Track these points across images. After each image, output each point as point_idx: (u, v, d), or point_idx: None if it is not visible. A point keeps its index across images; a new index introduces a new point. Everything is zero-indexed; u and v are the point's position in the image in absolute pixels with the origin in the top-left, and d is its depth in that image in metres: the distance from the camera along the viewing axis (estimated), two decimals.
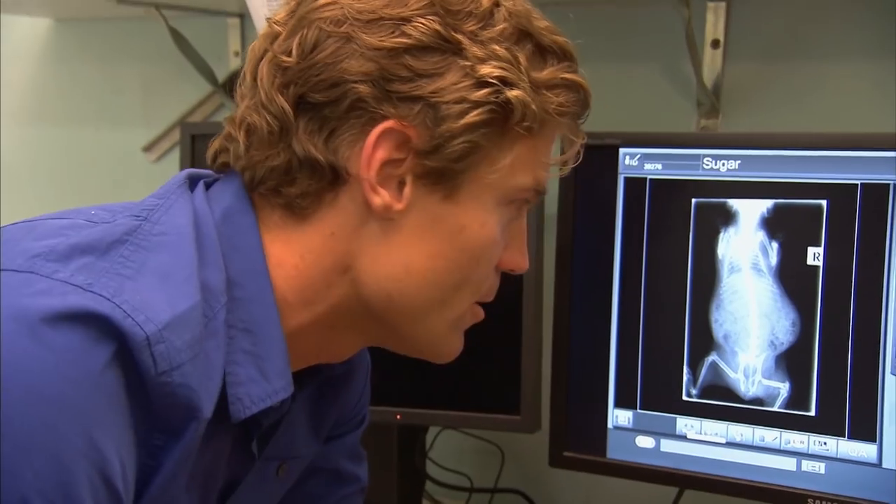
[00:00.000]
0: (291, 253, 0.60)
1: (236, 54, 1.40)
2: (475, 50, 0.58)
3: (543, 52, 0.61)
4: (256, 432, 0.62)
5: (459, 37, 0.58)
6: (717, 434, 0.89)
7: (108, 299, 0.51)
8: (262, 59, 0.61)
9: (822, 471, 0.84)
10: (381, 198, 0.59)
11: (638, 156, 0.91)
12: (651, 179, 0.91)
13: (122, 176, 1.51)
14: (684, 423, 0.90)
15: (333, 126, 0.58)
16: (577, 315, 0.95)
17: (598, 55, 1.18)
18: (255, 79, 0.61)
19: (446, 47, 0.58)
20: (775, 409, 0.86)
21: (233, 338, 0.57)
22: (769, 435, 0.86)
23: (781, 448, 0.86)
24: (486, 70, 0.58)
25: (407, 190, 0.59)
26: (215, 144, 0.64)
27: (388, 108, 0.57)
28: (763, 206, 0.86)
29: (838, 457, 0.83)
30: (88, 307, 0.50)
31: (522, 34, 0.60)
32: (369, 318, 0.62)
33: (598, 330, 0.93)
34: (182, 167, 1.22)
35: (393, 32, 0.58)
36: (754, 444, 0.87)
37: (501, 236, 0.63)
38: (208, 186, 0.63)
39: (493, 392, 1.04)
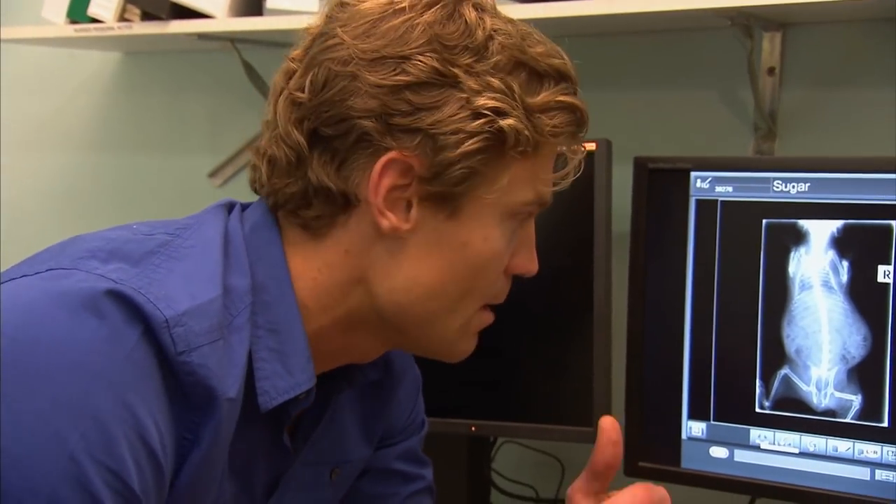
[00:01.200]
0: (310, 266, 0.66)
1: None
2: (471, 83, 0.63)
3: (539, 77, 0.65)
4: (287, 423, 0.67)
5: (456, 71, 0.63)
6: (790, 444, 0.92)
7: (136, 289, 0.58)
8: (280, 94, 0.67)
9: None
10: (389, 220, 0.64)
11: (709, 179, 0.96)
12: (722, 201, 0.95)
13: (187, 201, 1.54)
14: (758, 434, 0.93)
15: (343, 157, 0.64)
16: (650, 332, 0.99)
17: (656, 81, 1.24)
18: (275, 113, 0.67)
19: (444, 81, 0.63)
20: (848, 420, 0.89)
21: (259, 336, 0.64)
22: (842, 445, 0.89)
23: (855, 458, 0.89)
24: (481, 101, 0.63)
25: (413, 212, 0.64)
26: (249, 174, 0.71)
27: (391, 140, 0.63)
28: (833, 226, 0.90)
29: None
30: (118, 289, 0.58)
31: (516, 63, 0.64)
32: (383, 323, 0.68)
33: (672, 346, 0.97)
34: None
35: (394, 70, 0.63)
36: (827, 454, 0.90)
37: (507, 246, 0.68)
38: (244, 209, 0.70)
39: (566, 405, 1.07)
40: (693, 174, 0.96)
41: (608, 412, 1.05)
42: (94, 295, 0.57)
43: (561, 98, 0.66)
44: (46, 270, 0.60)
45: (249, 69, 1.35)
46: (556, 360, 1.08)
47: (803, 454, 0.91)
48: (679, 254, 0.96)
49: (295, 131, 0.64)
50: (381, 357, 0.75)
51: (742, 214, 0.94)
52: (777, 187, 0.93)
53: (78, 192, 1.65)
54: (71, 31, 1.27)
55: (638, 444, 0.99)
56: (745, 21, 1.05)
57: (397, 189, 0.64)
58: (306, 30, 0.68)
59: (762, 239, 0.92)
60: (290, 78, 0.66)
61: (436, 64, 0.63)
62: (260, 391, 0.63)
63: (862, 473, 0.89)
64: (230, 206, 0.70)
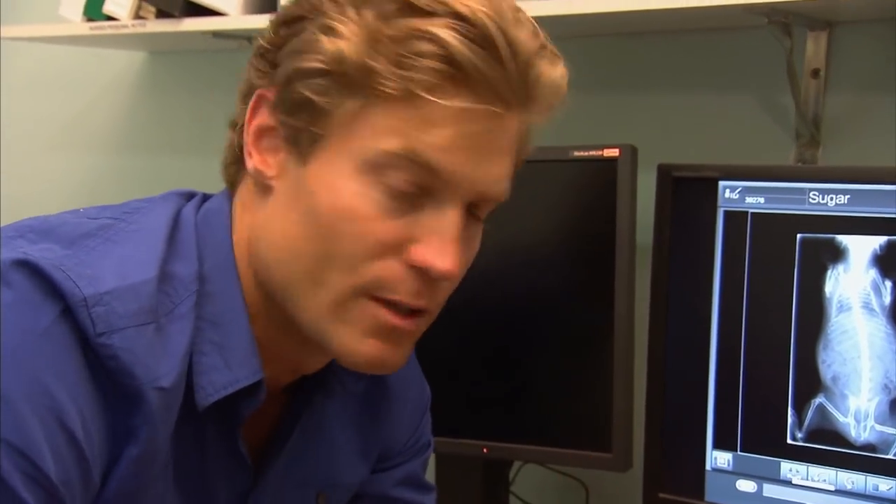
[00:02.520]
0: (241, 234, 0.63)
1: None
2: (330, 11, 0.59)
3: (411, 7, 0.57)
4: (238, 425, 0.63)
5: (323, 2, 0.60)
6: (825, 480, 0.85)
7: (55, 266, 0.55)
8: None
9: None
10: (254, 161, 0.61)
11: (739, 189, 0.89)
12: (753, 213, 0.88)
13: None
14: (789, 468, 0.86)
15: (241, 109, 0.63)
16: (673, 351, 0.92)
17: (693, 83, 1.17)
18: None
19: (310, 14, 0.60)
20: (890, 456, 0.81)
21: (202, 329, 0.60)
22: (884, 484, 0.82)
23: None
24: (333, 27, 0.58)
25: (279, 156, 0.61)
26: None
27: (265, 79, 0.61)
28: (875, 242, 0.82)
29: None
30: (32, 261, 0.55)
31: None
32: (276, 307, 0.62)
33: (696, 368, 0.90)
34: None
35: (279, 10, 0.63)
36: (867, 492, 0.83)
37: (371, 207, 0.59)
38: (206, 199, 0.67)
39: (583, 428, 1.01)
40: (721, 183, 0.89)
41: (629, 437, 0.99)
42: (10, 259, 0.55)
43: (428, 27, 0.56)
44: None
45: None
46: (574, 379, 1.02)
47: (840, 492, 0.84)
48: (705, 270, 0.90)
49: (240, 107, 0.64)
50: None
51: (774, 228, 0.87)
52: (813, 199, 0.85)
53: (102, 193, 1.64)
54: (87, 28, 1.26)
55: (658, 474, 0.93)
56: (783, 19, 0.98)
57: (266, 131, 0.61)
58: None
59: (796, 255, 0.85)
60: None
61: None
62: (196, 388, 0.60)
63: None
64: (189, 195, 0.67)
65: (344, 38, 0.58)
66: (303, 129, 0.59)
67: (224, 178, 0.66)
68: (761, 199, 0.88)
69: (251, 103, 0.61)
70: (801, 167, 1.04)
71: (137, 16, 1.23)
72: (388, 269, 0.59)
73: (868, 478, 0.83)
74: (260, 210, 0.62)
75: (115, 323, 0.55)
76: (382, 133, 0.58)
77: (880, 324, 0.82)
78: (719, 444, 0.90)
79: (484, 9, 0.57)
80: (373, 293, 0.60)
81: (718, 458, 0.90)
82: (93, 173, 1.65)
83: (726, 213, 0.89)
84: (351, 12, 0.59)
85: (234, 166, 0.65)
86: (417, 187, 0.59)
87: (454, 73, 0.57)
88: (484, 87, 0.58)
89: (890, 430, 0.82)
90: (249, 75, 0.63)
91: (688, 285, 0.91)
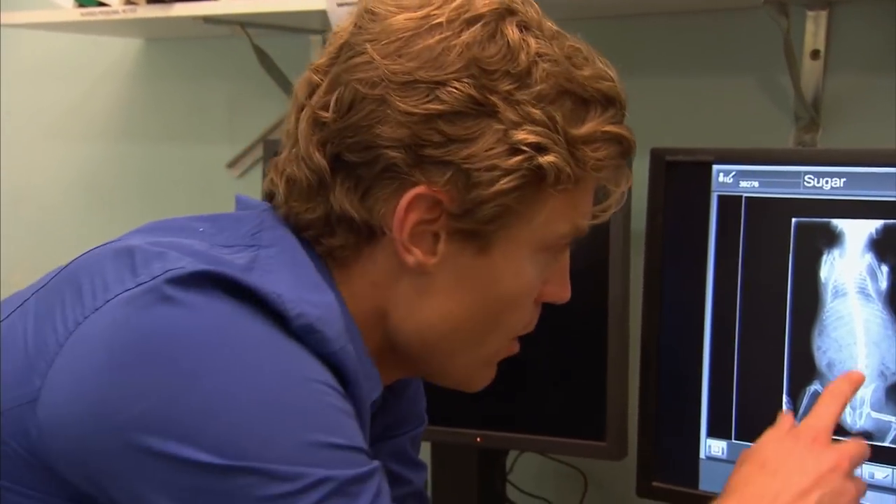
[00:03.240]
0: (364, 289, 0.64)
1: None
2: (509, 114, 0.58)
3: (585, 104, 0.61)
4: None
5: (494, 99, 0.58)
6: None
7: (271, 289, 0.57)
8: (302, 108, 0.62)
9: None
10: (415, 256, 0.61)
11: (733, 173, 0.87)
12: (747, 198, 0.86)
13: (206, 191, 1.53)
14: None
15: (368, 185, 0.60)
16: (666, 338, 0.91)
17: (687, 66, 1.15)
18: (296, 127, 0.63)
19: (480, 111, 0.58)
20: (887, 444, 0.80)
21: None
22: (880, 472, 0.80)
23: (895, 486, 0.80)
24: (520, 136, 0.58)
25: (441, 245, 0.61)
26: (266, 187, 0.66)
27: (420, 173, 0.59)
28: (871, 226, 0.80)
29: None
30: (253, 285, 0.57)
31: (561, 91, 0.60)
32: (405, 354, 0.66)
33: (690, 355, 0.89)
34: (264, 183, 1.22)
35: (427, 97, 0.58)
36: (863, 480, 0.81)
37: (539, 278, 0.65)
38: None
39: (578, 416, 1.00)
40: (715, 167, 0.88)
41: (623, 425, 0.98)
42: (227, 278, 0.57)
43: (608, 128, 0.61)
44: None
45: (262, 55, 1.31)
46: (567, 368, 1.01)
47: None
48: (699, 255, 0.88)
49: (317, 154, 0.60)
50: None
51: (769, 212, 0.85)
52: (809, 182, 0.83)
53: (100, 181, 1.64)
54: (78, 14, 1.25)
55: (652, 463, 0.91)
56: None
57: (424, 223, 0.60)
58: (333, 34, 0.63)
59: (791, 240, 0.84)
60: (313, 92, 0.62)
61: (472, 91, 0.58)
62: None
63: None
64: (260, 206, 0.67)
65: (547, 151, 0.59)
66: (479, 228, 0.61)
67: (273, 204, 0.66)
68: (756, 184, 0.86)
69: (406, 200, 0.59)
70: (796, 150, 1.02)
71: (128, 1, 1.22)
72: (532, 313, 0.67)
73: (864, 466, 0.81)
74: (402, 285, 0.63)
75: (331, 347, 0.58)
76: (556, 219, 0.62)
77: (876, 309, 0.80)
78: (713, 433, 0.88)
79: (616, 83, 0.63)
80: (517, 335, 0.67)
81: (713, 447, 0.88)
82: (91, 161, 1.64)
83: (720, 198, 0.88)
84: (537, 114, 0.59)
85: (336, 230, 0.62)
86: None
87: (625, 157, 0.64)
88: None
89: (886, 418, 0.80)
90: (377, 147, 0.59)
91: (682, 271, 0.90)
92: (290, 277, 0.59)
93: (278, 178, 0.63)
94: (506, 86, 0.58)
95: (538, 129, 0.58)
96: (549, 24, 0.63)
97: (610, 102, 0.62)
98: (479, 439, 1.04)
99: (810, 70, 1.06)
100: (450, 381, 0.69)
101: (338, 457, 0.55)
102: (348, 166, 0.60)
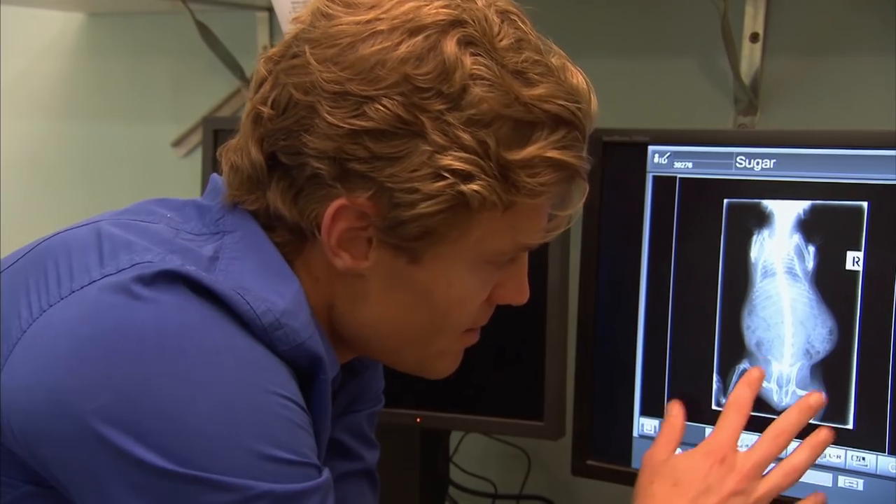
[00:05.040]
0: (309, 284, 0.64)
1: (265, 49, 1.38)
2: (437, 136, 0.57)
3: (530, 125, 0.59)
4: None
5: (424, 119, 0.57)
6: (748, 446, 0.84)
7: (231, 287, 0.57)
8: (252, 99, 0.62)
9: (861, 487, 0.80)
10: (344, 261, 0.61)
11: (668, 154, 0.87)
12: (681, 178, 0.87)
13: (151, 170, 1.51)
14: None
15: (300, 188, 0.60)
16: (601, 319, 0.91)
17: (628, 48, 1.15)
18: (245, 117, 0.63)
19: (408, 130, 0.57)
20: (811, 421, 0.81)
21: None
22: None
23: (816, 462, 0.81)
24: (446, 161, 0.57)
25: (372, 252, 0.61)
26: (222, 171, 0.66)
27: (342, 187, 0.58)
28: (799, 207, 0.81)
29: (877, 473, 0.79)
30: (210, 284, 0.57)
31: (498, 115, 0.58)
32: (358, 342, 0.67)
33: (624, 335, 0.89)
34: (205, 162, 1.21)
35: (355, 111, 0.57)
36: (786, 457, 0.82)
37: (482, 287, 0.64)
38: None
39: (516, 396, 1.01)
40: (651, 148, 0.88)
41: (562, 405, 0.99)
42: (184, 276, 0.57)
43: (550, 154, 0.59)
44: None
45: (205, 31, 1.29)
46: (506, 348, 1.01)
47: None
48: (634, 235, 0.89)
49: (255, 149, 0.60)
50: None
51: (702, 193, 0.86)
52: (740, 164, 0.84)
53: (42, 159, 1.60)
54: None
55: (587, 441, 0.92)
56: None
57: (354, 230, 0.60)
58: (294, 20, 0.62)
59: (723, 220, 0.84)
60: (260, 86, 0.61)
61: (400, 111, 0.57)
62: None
63: (823, 479, 0.81)
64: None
65: (472, 178, 0.57)
66: (406, 245, 0.60)
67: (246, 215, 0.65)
68: (689, 164, 0.87)
69: (332, 210, 0.59)
70: (729, 131, 1.03)
71: None
72: (484, 312, 0.67)
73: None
74: (340, 285, 0.63)
75: (299, 338, 0.58)
76: (494, 236, 0.60)
77: (803, 289, 0.81)
78: (646, 411, 0.89)
79: (576, 104, 0.60)
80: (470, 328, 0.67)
81: (645, 425, 0.89)
82: (32, 139, 1.61)
83: (655, 179, 0.88)
84: (466, 138, 0.57)
85: (277, 223, 0.62)
86: None
87: (570, 184, 0.62)
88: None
89: None
90: (304, 154, 0.59)
91: (617, 251, 0.90)
92: (255, 264, 0.59)
93: (226, 164, 0.63)
94: (437, 105, 0.57)
95: (466, 155, 0.57)
96: (514, 32, 0.60)
97: (560, 123, 0.59)
98: (418, 419, 1.04)
99: (749, 53, 1.07)
100: (405, 369, 0.69)
101: (284, 471, 0.55)
102: (283, 167, 0.60)
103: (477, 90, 0.57)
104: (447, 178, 0.57)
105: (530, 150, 0.58)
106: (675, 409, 0.80)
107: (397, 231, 0.59)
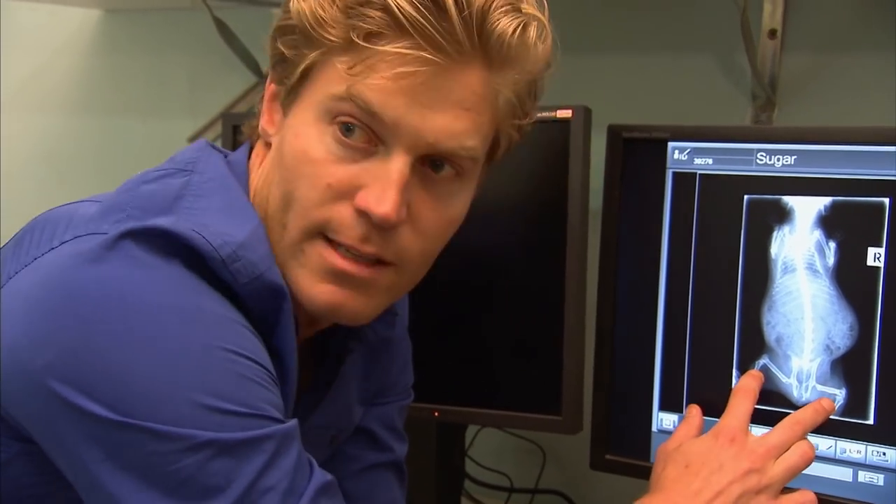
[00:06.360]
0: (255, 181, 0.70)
1: None
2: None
3: None
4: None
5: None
6: None
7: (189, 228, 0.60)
8: None
9: (881, 482, 0.80)
10: (262, 121, 0.69)
11: (688, 150, 0.88)
12: (701, 175, 0.87)
13: None
14: None
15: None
16: (621, 314, 0.92)
17: (647, 44, 1.15)
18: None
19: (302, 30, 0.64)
20: (831, 416, 0.81)
21: None
22: (824, 443, 0.82)
23: (837, 457, 0.82)
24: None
25: (277, 115, 0.68)
26: (246, 130, 0.74)
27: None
28: (820, 203, 0.82)
29: None
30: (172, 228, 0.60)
31: None
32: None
33: (643, 330, 0.90)
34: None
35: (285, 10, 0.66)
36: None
37: (325, 153, 0.63)
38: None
39: (534, 391, 1.01)
40: (670, 144, 0.88)
41: (579, 400, 0.99)
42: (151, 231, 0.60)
43: None
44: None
45: (223, 27, 1.29)
46: (524, 342, 1.01)
47: None
48: (654, 232, 0.89)
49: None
50: (391, 312, 0.76)
51: (722, 189, 0.86)
52: (761, 160, 0.84)
53: (58, 155, 1.61)
54: None
55: (605, 436, 0.93)
56: None
57: (273, 95, 0.68)
58: None
59: (743, 216, 0.85)
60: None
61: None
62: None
63: (843, 474, 0.81)
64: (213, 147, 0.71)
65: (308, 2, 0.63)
66: (285, 85, 0.65)
67: (246, 135, 0.73)
68: (710, 161, 0.87)
69: (269, 74, 0.67)
70: (749, 127, 1.03)
71: None
72: (338, 212, 0.63)
73: (809, 437, 0.83)
74: (265, 164, 0.68)
75: (257, 269, 0.61)
76: (334, 81, 0.63)
77: (823, 285, 0.82)
78: (665, 406, 0.90)
79: None
80: (325, 235, 0.64)
81: (664, 420, 0.90)
82: (48, 135, 1.62)
83: (675, 175, 0.88)
84: None
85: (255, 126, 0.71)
86: (367, 136, 0.63)
87: (393, 21, 0.60)
88: (422, 36, 0.60)
89: (831, 391, 0.82)
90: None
91: (636, 247, 0.90)
92: (219, 203, 0.63)
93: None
94: None
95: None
96: None
97: None
98: (436, 413, 1.04)
99: (767, 49, 1.07)
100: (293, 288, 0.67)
101: (229, 421, 0.57)
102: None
103: None
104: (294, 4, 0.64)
105: None
106: (693, 410, 0.82)
107: (275, 67, 0.67)
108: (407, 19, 0.60)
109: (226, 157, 0.70)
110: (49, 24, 1.57)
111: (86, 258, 0.57)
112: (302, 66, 0.64)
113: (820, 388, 0.82)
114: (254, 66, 1.35)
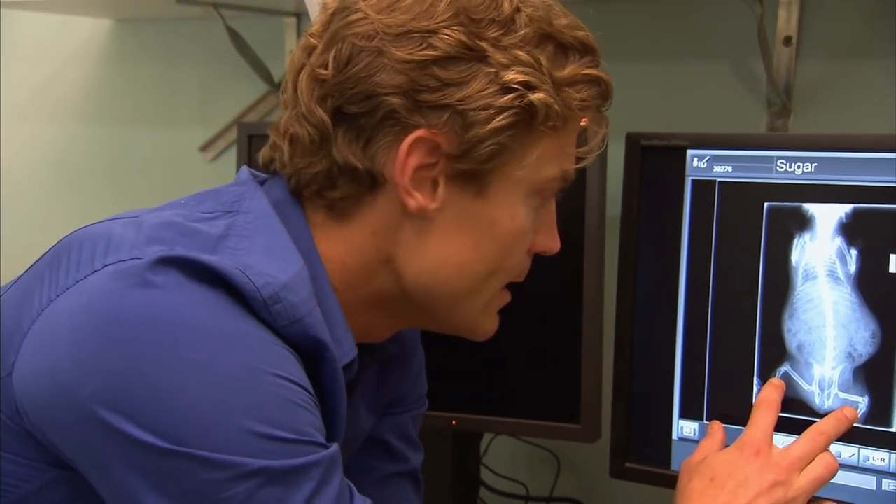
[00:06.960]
0: (337, 249, 0.66)
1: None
2: (498, 57, 0.62)
3: (565, 49, 0.65)
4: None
5: (483, 44, 0.62)
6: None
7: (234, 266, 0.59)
8: (300, 70, 0.66)
9: None
10: (416, 200, 0.64)
11: (707, 157, 0.88)
12: (720, 182, 0.87)
13: (178, 175, 1.52)
14: None
15: (369, 135, 0.63)
16: (640, 321, 0.92)
17: (663, 52, 1.15)
18: (295, 90, 0.66)
19: (471, 56, 0.62)
20: (853, 424, 0.81)
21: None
22: (846, 451, 0.82)
23: (860, 465, 0.82)
24: (510, 76, 0.62)
25: (440, 190, 0.64)
26: (265, 153, 0.70)
27: (419, 117, 0.62)
28: (841, 210, 0.82)
29: None
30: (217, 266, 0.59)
31: (543, 36, 0.64)
32: (408, 302, 0.68)
33: (663, 338, 0.90)
34: (238, 167, 1.21)
35: (420, 45, 0.62)
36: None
37: (531, 224, 0.68)
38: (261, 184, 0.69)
39: (552, 399, 1.01)
40: (689, 152, 0.88)
41: (598, 408, 0.99)
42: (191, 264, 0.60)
43: (587, 71, 0.66)
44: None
45: (235, 37, 1.30)
46: (542, 350, 1.01)
47: None
48: (673, 239, 0.89)
49: (318, 109, 0.64)
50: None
51: (742, 196, 0.86)
52: (781, 167, 0.84)
53: (69, 164, 1.62)
54: None
55: (625, 444, 0.92)
56: None
57: (424, 168, 0.63)
58: (324, 5, 0.67)
59: (763, 224, 0.85)
60: (311, 54, 0.65)
61: (463, 38, 0.62)
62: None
63: (867, 482, 0.81)
64: (259, 180, 0.69)
65: (536, 89, 0.63)
66: (477, 169, 0.64)
67: (275, 170, 0.69)
68: (729, 168, 0.87)
69: (407, 144, 0.62)
70: (769, 135, 1.03)
71: None
72: (525, 262, 0.70)
73: (832, 445, 0.83)
74: (403, 233, 0.65)
75: (298, 313, 0.60)
76: (546, 161, 0.66)
77: (845, 292, 0.82)
78: (686, 414, 0.89)
79: (589, 34, 0.67)
80: (510, 282, 0.70)
81: (685, 428, 0.90)
82: (59, 144, 1.62)
83: (694, 182, 0.88)
84: (523, 56, 0.63)
85: (326, 184, 0.65)
86: None
87: (606, 91, 0.68)
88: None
89: (853, 398, 0.82)
90: (377, 95, 0.62)
91: (655, 255, 0.90)
92: (264, 244, 0.62)
93: (281, 139, 0.67)
94: (493, 32, 0.62)
95: (526, 69, 0.62)
96: None
97: (587, 50, 0.66)
98: (454, 422, 1.04)
99: (782, 56, 1.07)
100: (453, 329, 0.72)
101: (279, 448, 0.56)
102: (349, 118, 0.63)
103: (524, 14, 0.64)
104: (515, 89, 0.62)
105: (571, 69, 0.65)
106: (715, 425, 0.82)
107: (471, 154, 0.63)
108: (609, 86, 0.67)
109: (262, 183, 0.68)
110: (60, 34, 1.57)
111: (131, 282, 0.56)
112: (518, 152, 0.64)
113: (842, 395, 0.82)
114: (265, 75, 1.35)
